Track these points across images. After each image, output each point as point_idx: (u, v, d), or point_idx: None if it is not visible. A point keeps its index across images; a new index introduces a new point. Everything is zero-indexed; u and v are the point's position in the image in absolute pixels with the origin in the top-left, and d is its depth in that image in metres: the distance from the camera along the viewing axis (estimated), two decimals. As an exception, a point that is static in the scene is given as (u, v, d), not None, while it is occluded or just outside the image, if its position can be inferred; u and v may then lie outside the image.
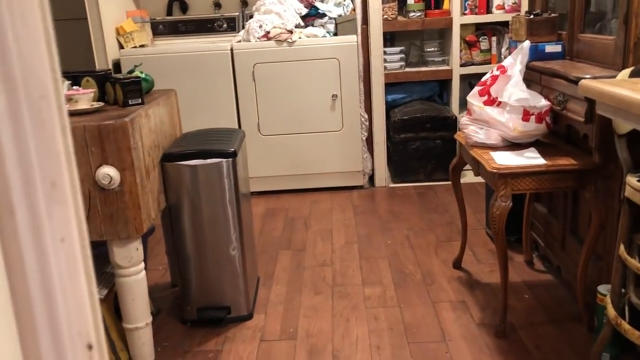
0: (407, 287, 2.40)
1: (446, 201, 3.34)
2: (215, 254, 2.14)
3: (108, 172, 1.71)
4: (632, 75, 1.57)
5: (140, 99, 1.96)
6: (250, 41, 3.46)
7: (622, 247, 1.63)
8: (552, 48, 2.14)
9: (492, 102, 2.14)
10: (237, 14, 3.89)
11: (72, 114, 1.83)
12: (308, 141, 3.56)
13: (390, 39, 3.93)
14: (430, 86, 3.89)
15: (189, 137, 2.28)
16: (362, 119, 3.57)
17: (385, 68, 3.69)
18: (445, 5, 3.65)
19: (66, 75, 2.06)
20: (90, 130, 1.71)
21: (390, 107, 3.81)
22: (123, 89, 1.92)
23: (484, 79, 2.20)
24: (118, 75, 2.07)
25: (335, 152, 3.59)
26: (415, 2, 3.64)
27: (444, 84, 3.88)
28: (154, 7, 3.95)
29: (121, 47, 3.53)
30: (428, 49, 3.87)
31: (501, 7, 3.60)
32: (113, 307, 1.95)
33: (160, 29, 3.87)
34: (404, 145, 3.67)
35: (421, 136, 3.63)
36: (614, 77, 1.67)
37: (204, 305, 2.20)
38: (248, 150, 3.56)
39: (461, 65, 3.66)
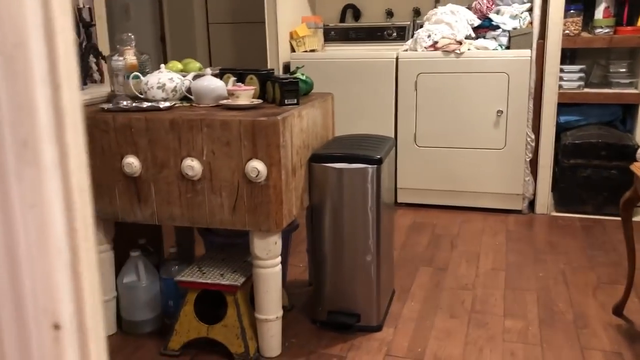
0: (554, 327, 2.18)
1: (615, 239, 2.98)
2: (350, 259, 2.14)
3: (256, 166, 1.78)
4: None
5: (295, 100, 2.02)
6: (417, 50, 3.41)
7: None
8: None
9: (680, 131, 1.85)
10: (408, 22, 3.87)
11: (232, 108, 1.95)
12: (466, 157, 3.42)
13: (570, 55, 3.62)
14: (612, 110, 3.51)
15: (340, 140, 2.30)
16: (528, 139, 3.34)
17: (560, 87, 3.41)
18: (640, 22, 3.27)
19: (234, 72, 2.20)
20: (244, 125, 1.80)
21: (562, 129, 3.51)
22: (281, 89, 2.00)
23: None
24: (279, 75, 2.16)
25: (495, 171, 3.39)
26: (604, 17, 3.31)
27: (629, 109, 3.48)
28: (328, 13, 4.08)
29: (293, 50, 3.70)
30: (614, 70, 3.50)
31: None
32: (248, 296, 2.03)
33: (332, 35, 3.98)
34: (573, 171, 3.35)
35: (594, 164, 3.29)
36: None
37: (335, 309, 2.20)
38: (401, 160, 3.52)
39: (652, 89, 3.25)
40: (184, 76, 2.15)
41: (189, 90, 2.11)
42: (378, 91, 3.48)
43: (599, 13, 3.31)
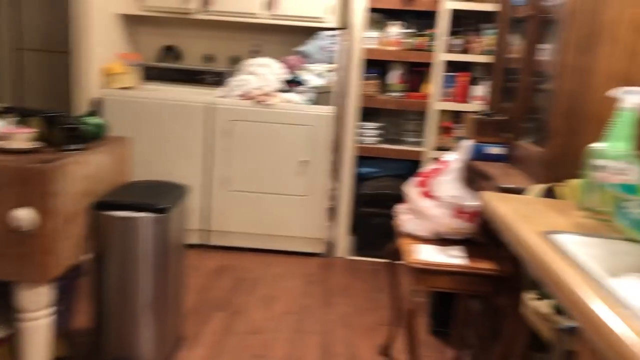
0: (328, 368, 2.35)
1: (400, 282, 3.29)
2: (133, 307, 2.12)
3: (20, 215, 1.72)
4: (545, 194, 1.58)
5: (81, 144, 2.00)
6: (230, 98, 3.53)
7: (518, 364, 1.59)
8: (495, 150, 2.17)
9: (429, 194, 2.15)
10: (226, 69, 3.99)
11: (6, 151, 1.87)
12: (273, 202, 3.57)
13: (373, 113, 3.99)
14: (405, 164, 3.91)
15: (132, 187, 2.30)
16: (329, 188, 3.59)
17: (361, 141, 3.73)
18: (426, 89, 3.72)
19: (16, 110, 2.11)
20: (10, 171, 1.73)
21: (363, 179, 3.83)
22: (63, 134, 1.96)
23: (424, 170, 2.22)
24: (65, 119, 2.11)
25: (299, 216, 3.59)
26: (397, 82, 3.71)
27: (418, 163, 3.90)
28: (148, 52, 4.07)
29: (106, 86, 3.62)
30: (406, 128, 3.92)
31: (480, 97, 3.66)
32: (14, 349, 1.92)
33: (150, 74, 3.96)
34: (369, 218, 3.67)
35: (385, 212, 3.62)
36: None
37: (116, 356, 2.16)
38: (214, 202, 3.58)
39: (434, 149, 3.70)
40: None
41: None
42: (192, 134, 3.53)
43: (392, 79, 3.71)
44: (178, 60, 4.11)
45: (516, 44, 2.36)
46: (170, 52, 4.09)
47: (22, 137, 1.91)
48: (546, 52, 1.97)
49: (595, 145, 1.36)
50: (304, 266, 3.47)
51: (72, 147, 1.98)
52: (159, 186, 2.35)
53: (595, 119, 1.63)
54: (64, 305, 2.26)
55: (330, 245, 3.69)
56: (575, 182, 1.49)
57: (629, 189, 1.15)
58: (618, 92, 1.35)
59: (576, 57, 1.64)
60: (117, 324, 2.14)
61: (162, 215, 2.08)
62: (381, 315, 2.87)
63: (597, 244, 1.06)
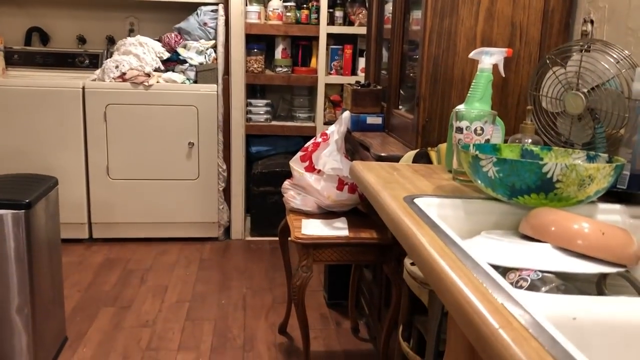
0: (224, 354, 2.28)
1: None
2: (1, 314, 1.94)
3: None
4: (415, 159, 1.59)
5: None
6: (105, 81, 3.31)
7: (401, 328, 1.61)
8: (373, 120, 2.17)
9: (312, 168, 2.12)
10: (101, 50, 3.74)
11: None
12: (161, 188, 3.42)
13: (260, 90, 3.91)
14: (296, 140, 3.88)
15: (-11, 182, 2.09)
16: (220, 169, 3.49)
17: (250, 119, 3.65)
18: (313, 64, 3.69)
19: None
20: None
21: (255, 158, 3.76)
22: None
23: (307, 144, 2.19)
24: None
25: (190, 201, 3.46)
26: (282, 57, 3.65)
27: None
28: (11, 35, 3.73)
29: (-38, 74, 3.28)
30: (297, 105, 3.88)
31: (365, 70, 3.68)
32: None
33: (15, 59, 3.64)
34: (263, 198, 3.61)
35: (279, 190, 3.58)
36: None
37: (-15, 371, 1.97)
38: (94, 194, 3.37)
39: (325, 124, 3.69)
40: None
41: None
42: (65, 122, 3.28)
43: (278, 53, 3.65)
44: (47, 43, 3.80)
45: (390, 13, 2.36)
46: (37, 34, 3.77)
47: None
48: (415, 19, 1.98)
49: (458, 107, 1.37)
50: (198, 252, 3.36)
51: None
52: (21, 180, 2.15)
53: (460, 82, 1.66)
54: None
55: (226, 228, 3.60)
56: (443, 146, 1.51)
57: (484, 148, 1.17)
58: (476, 53, 1.37)
59: (440, 21, 1.65)
60: (-17, 333, 1.95)
61: (24, 211, 1.90)
62: (279, 293, 2.84)
63: (456, 204, 1.06)
